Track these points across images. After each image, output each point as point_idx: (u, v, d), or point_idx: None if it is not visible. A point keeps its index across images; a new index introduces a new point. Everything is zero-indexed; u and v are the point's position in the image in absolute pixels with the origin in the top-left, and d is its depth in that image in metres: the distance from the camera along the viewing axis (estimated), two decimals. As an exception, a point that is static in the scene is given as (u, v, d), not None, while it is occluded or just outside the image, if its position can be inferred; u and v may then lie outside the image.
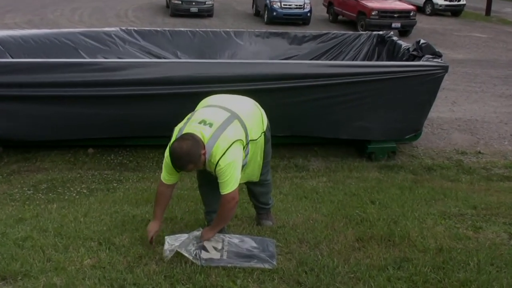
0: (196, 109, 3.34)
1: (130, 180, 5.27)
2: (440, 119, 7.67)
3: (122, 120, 5.45)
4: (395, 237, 3.53)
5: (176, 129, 3.18)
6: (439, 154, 6.47)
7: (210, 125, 3.07)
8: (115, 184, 5.15)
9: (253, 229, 3.63)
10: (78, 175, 5.42)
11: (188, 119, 3.21)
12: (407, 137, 6.13)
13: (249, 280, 2.95)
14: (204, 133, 3.04)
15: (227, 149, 3.02)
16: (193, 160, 2.99)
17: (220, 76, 5.31)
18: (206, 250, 3.16)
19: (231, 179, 3.04)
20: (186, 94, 5.13)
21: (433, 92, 5.87)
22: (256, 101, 3.50)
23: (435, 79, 5.73)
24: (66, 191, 4.95)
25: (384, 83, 5.62)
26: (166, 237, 3.21)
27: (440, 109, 7.99)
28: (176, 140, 3.04)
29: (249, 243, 3.25)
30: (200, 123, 3.09)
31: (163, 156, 3.14)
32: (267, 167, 3.60)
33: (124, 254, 3.21)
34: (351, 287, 2.91)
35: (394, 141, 6.15)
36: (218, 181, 3.08)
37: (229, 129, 3.08)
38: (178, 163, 3.03)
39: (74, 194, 4.84)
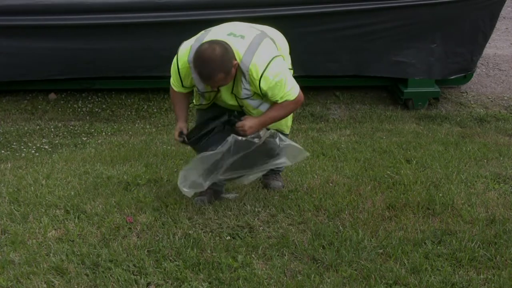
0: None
1: (103, 133, 5.29)
2: (497, 57, 7.58)
3: (92, 56, 5.42)
4: (436, 205, 3.56)
5: (186, 46, 3.15)
6: (495, 102, 6.43)
7: (242, 37, 3.08)
8: (84, 138, 5.18)
9: (258, 193, 3.68)
10: (38, 127, 5.44)
11: (207, 31, 3.18)
12: (454, 78, 6.09)
13: (253, 256, 3.01)
14: (236, 47, 3.03)
15: (270, 62, 3.04)
16: (226, 68, 2.97)
17: None
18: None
19: (288, 87, 3.09)
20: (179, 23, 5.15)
21: (489, 21, 5.78)
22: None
23: (492, 4, 5.64)
24: (22, 147, 4.98)
25: (424, 10, 5.55)
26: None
27: (499, 44, 7.87)
28: (206, 42, 3.01)
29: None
30: (229, 35, 3.09)
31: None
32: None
33: (97, 225, 3.26)
34: (379, 265, 2.96)
35: (437, 85, 6.10)
36: (273, 100, 3.12)
37: (264, 45, 3.09)
38: (207, 69, 2.98)
39: (33, 151, 4.87)
